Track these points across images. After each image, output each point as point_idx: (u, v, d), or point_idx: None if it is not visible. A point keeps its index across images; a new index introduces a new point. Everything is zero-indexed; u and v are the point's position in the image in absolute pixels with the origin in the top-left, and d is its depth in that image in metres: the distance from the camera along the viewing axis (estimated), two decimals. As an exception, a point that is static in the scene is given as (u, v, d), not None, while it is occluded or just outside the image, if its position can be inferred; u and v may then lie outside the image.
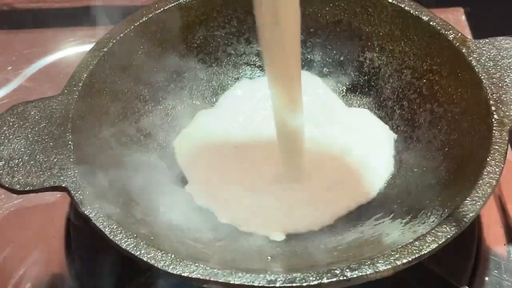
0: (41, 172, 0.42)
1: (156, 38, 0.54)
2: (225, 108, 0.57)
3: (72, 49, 0.71)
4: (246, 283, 0.36)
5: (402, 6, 0.52)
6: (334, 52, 0.57)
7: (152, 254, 0.38)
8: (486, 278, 0.51)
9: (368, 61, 0.56)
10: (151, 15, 0.53)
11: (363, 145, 0.53)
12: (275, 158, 0.51)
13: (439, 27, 0.50)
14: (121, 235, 0.39)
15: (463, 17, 0.72)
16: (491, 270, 0.51)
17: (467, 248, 0.52)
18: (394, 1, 0.52)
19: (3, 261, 0.53)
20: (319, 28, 0.57)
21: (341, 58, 0.57)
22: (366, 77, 0.56)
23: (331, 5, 0.55)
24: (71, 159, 0.43)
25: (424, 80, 0.52)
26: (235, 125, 0.55)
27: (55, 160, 0.43)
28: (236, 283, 0.37)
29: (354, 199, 0.50)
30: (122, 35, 0.51)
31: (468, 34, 0.69)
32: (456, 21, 0.71)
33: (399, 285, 0.48)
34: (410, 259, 0.37)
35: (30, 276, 0.52)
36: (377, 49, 0.55)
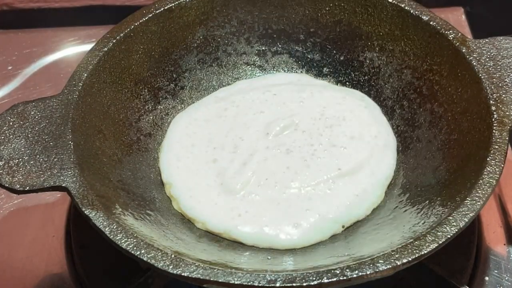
0: (41, 172, 0.42)
1: (156, 38, 0.54)
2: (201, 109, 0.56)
3: (72, 49, 0.71)
4: (246, 283, 0.36)
5: (402, 6, 0.52)
6: (334, 52, 0.57)
7: (153, 254, 0.38)
8: (486, 278, 0.51)
9: (368, 61, 0.56)
10: (151, 15, 0.53)
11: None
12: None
13: (439, 27, 0.50)
14: (121, 235, 0.39)
15: (463, 17, 0.72)
16: (491, 270, 0.51)
17: (467, 248, 0.52)
18: (394, 1, 0.52)
19: (3, 261, 0.53)
20: (319, 28, 0.57)
21: (341, 58, 0.57)
22: (366, 77, 0.56)
23: (331, 5, 0.55)
24: (71, 159, 0.43)
25: (424, 80, 0.52)
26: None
27: (55, 160, 0.43)
28: (236, 283, 0.37)
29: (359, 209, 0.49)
30: (122, 35, 0.51)
31: (468, 33, 0.69)
32: (456, 20, 0.71)
33: (399, 285, 0.48)
34: (410, 259, 0.37)
35: (30, 276, 0.52)
36: (377, 48, 0.55)
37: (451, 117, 0.49)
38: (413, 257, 0.37)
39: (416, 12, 0.51)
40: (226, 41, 0.58)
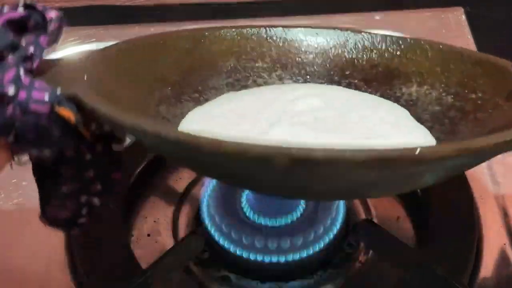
0: None
1: (188, 54, 0.52)
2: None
3: (72, 49, 0.71)
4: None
5: (441, 47, 0.51)
6: (369, 91, 0.54)
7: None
8: (486, 278, 0.51)
9: (406, 95, 0.53)
10: (185, 33, 0.52)
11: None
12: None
13: (480, 56, 0.49)
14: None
15: (463, 17, 0.72)
16: (491, 270, 0.51)
17: (467, 248, 0.52)
18: (433, 44, 0.51)
19: (2, 261, 0.53)
20: (354, 70, 0.55)
21: (377, 94, 0.54)
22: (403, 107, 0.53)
23: (367, 50, 0.54)
24: None
25: (467, 100, 0.49)
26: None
27: None
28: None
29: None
30: (152, 41, 0.50)
31: (468, 33, 0.69)
32: (456, 20, 0.71)
33: (399, 285, 0.48)
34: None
35: (29, 276, 0.52)
36: (415, 85, 0.53)
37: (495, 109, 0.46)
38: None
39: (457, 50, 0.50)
40: (257, 74, 0.55)
